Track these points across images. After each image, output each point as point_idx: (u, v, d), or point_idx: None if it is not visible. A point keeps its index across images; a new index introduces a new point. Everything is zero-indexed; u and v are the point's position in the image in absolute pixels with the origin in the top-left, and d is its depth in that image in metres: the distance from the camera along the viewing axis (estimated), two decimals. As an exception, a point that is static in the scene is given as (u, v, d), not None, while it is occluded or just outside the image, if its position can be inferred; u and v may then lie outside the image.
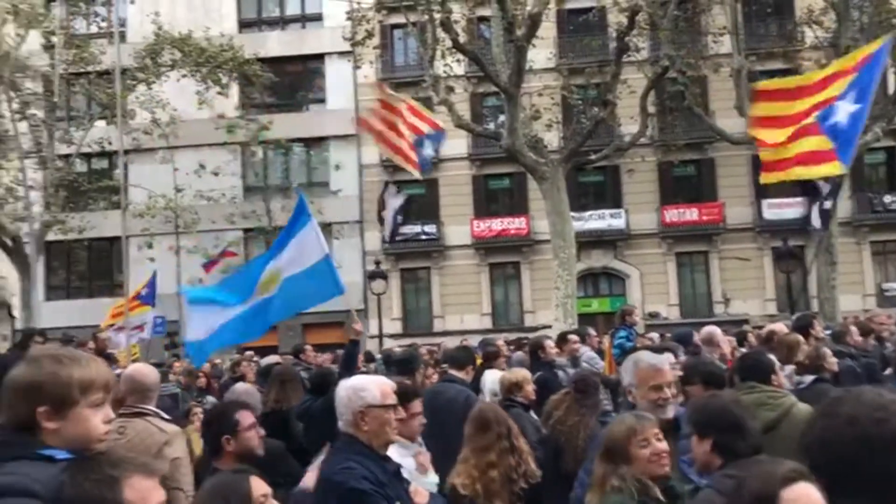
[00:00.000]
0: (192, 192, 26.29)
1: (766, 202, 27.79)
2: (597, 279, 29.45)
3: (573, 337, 8.78)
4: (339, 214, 28.28)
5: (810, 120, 6.83)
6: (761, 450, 2.95)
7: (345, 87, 29.94)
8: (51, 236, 23.89)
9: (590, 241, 27.35)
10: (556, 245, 17.18)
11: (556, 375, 7.30)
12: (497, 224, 29.37)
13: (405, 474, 3.37)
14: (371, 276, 24.15)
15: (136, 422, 3.90)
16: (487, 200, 30.01)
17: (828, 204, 19.13)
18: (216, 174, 26.91)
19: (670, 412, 3.54)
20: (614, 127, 23.94)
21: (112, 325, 16.51)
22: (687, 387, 4.34)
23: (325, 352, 11.90)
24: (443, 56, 18.62)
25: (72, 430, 1.92)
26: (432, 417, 4.49)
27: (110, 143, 23.18)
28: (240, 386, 5.67)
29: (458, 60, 20.24)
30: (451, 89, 19.23)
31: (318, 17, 30.88)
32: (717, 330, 7.08)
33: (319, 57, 30.54)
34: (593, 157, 19.84)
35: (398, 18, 24.38)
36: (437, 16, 17.08)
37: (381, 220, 23.23)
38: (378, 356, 11.89)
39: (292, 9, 31.77)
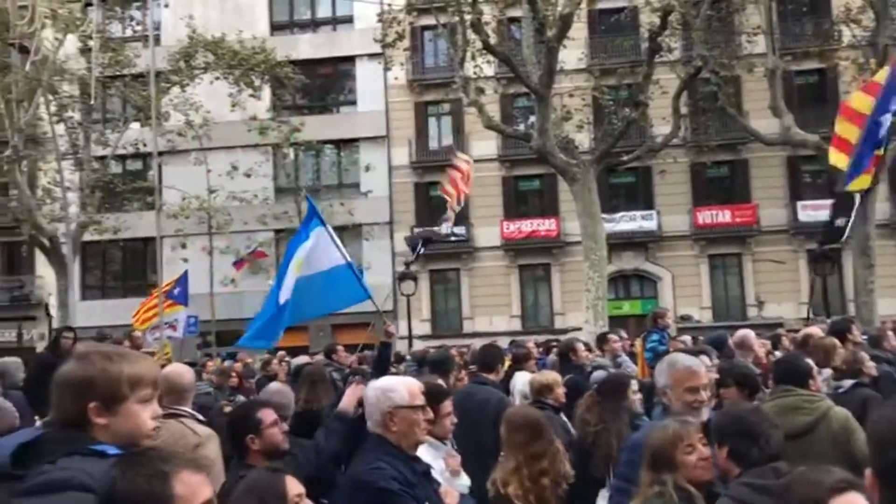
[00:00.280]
0: (225, 194, 26.57)
1: (800, 204, 27.37)
2: (628, 281, 29.23)
3: (613, 337, 8.70)
4: (368, 216, 28.41)
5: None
6: (778, 457, 2.93)
7: (375, 89, 30.08)
8: (87, 237, 24.32)
9: (621, 243, 27.16)
10: (586, 247, 17.09)
11: (588, 378, 7.25)
12: (527, 225, 29.28)
13: (435, 475, 3.37)
14: (400, 278, 24.20)
15: (170, 423, 3.93)
16: (517, 202, 29.93)
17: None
18: (248, 175, 27.17)
19: (705, 415, 3.51)
20: (646, 128, 23.75)
21: (148, 327, 16.73)
22: (721, 389, 4.31)
23: (354, 352, 11.95)
24: (473, 57, 18.61)
25: (121, 425, 1.93)
26: (464, 419, 4.48)
27: (145, 145, 23.54)
28: (273, 385, 5.70)
29: (488, 62, 20.20)
30: (481, 91, 19.23)
31: (348, 20, 31.06)
32: (750, 333, 6.99)
33: (350, 59, 30.71)
34: (625, 158, 19.70)
35: (429, 20, 24.42)
36: (468, 17, 17.08)
37: (412, 245, 23.11)
38: (407, 357, 11.92)
39: (323, 11, 31.99)
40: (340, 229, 25.47)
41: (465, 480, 3.94)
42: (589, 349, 9.03)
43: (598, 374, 6.41)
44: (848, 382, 5.09)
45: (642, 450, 3.17)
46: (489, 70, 22.57)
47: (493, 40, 17.97)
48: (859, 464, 3.68)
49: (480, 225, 29.39)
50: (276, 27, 31.44)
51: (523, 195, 30.18)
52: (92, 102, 21.91)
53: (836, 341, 5.92)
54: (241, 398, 8.51)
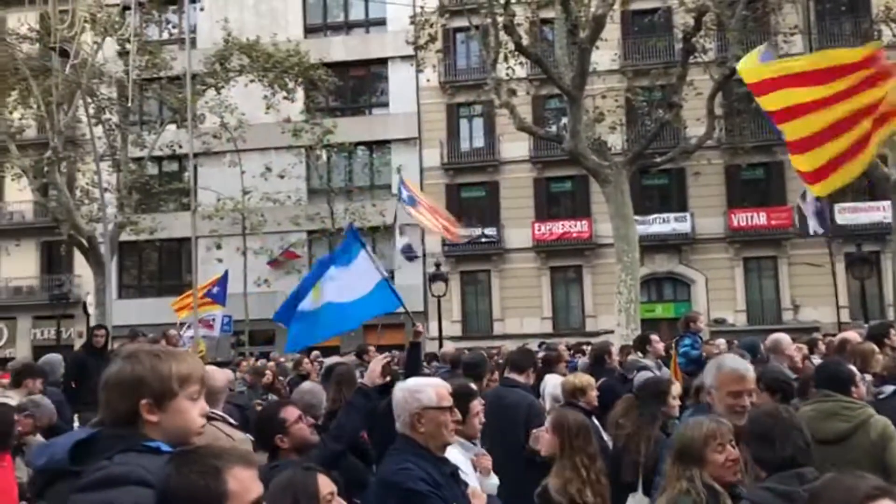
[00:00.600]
0: (259, 195, 26.83)
1: (838, 206, 26.90)
2: (661, 284, 28.97)
3: (655, 337, 8.60)
4: (401, 217, 28.47)
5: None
6: (796, 461, 2.89)
7: (407, 91, 30.19)
8: (124, 237, 24.73)
9: (654, 245, 26.95)
10: (619, 249, 16.95)
11: (623, 381, 7.20)
12: (558, 227, 29.17)
13: (463, 476, 3.38)
14: (431, 279, 24.25)
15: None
16: (549, 203, 29.82)
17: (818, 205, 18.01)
18: (282, 177, 27.40)
19: (745, 420, 3.48)
20: (680, 129, 23.50)
21: (183, 319, 16.97)
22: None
23: (383, 353, 11.99)
24: (505, 59, 18.57)
25: (172, 422, 1.97)
26: (493, 421, 4.48)
27: (181, 147, 23.88)
28: (305, 385, 5.75)
29: (520, 63, 20.15)
30: (513, 92, 19.16)
31: (381, 22, 31.20)
32: (784, 337, 6.85)
33: (383, 61, 30.87)
34: (658, 159, 19.50)
35: (461, 22, 24.44)
36: (500, 19, 17.05)
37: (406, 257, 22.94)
38: (437, 356, 11.94)
39: (356, 14, 32.19)
40: (372, 230, 25.74)
41: (493, 480, 3.95)
42: (627, 352, 8.96)
43: (644, 376, 6.32)
44: (889, 388, 4.99)
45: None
46: (521, 71, 22.51)
47: (525, 42, 17.90)
48: (893, 473, 3.62)
49: (511, 226, 29.33)
50: (309, 30, 31.70)
51: (555, 197, 30.06)
52: (129, 105, 22.26)
53: (874, 346, 5.81)
54: (273, 397, 8.60)
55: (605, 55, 23.77)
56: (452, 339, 25.27)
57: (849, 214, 26.70)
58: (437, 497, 3.02)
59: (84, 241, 22.21)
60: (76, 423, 7.01)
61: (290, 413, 3.74)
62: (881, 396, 4.88)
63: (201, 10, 28.15)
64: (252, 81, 24.63)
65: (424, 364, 9.88)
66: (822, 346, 8.32)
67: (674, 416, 5.13)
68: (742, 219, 28.09)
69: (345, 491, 3.85)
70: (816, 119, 6.09)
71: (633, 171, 18.60)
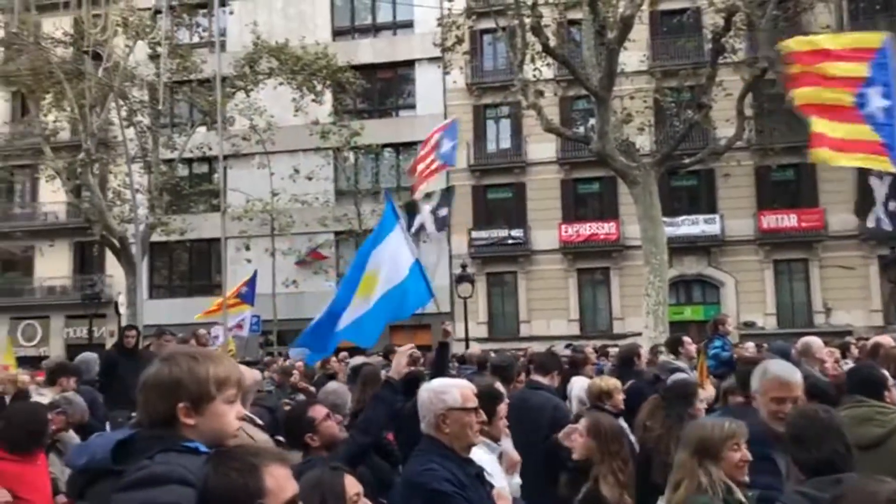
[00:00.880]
0: (287, 196, 27.03)
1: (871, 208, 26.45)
2: (689, 286, 28.71)
3: (688, 339, 8.52)
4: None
5: (848, 99, 6.21)
6: (834, 465, 2.85)
7: (434, 93, 30.25)
8: (154, 237, 25.05)
9: (682, 247, 26.71)
10: (647, 251, 16.83)
11: (657, 381, 7.12)
12: (586, 229, 29.03)
13: (488, 477, 3.39)
14: (457, 280, 24.25)
15: None
16: (576, 205, 29.70)
17: (892, 205, 17.80)
18: (310, 178, 27.59)
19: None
20: (709, 130, 23.30)
21: (211, 321, 17.15)
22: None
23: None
24: (532, 60, 18.54)
25: (208, 425, 1.98)
26: (518, 424, 4.48)
27: (210, 149, 24.15)
28: (330, 385, 5.80)
29: (547, 64, 20.10)
30: (540, 93, 19.12)
31: (409, 24, 31.30)
32: (815, 341, 6.75)
33: (410, 63, 30.96)
34: (687, 160, 19.34)
35: (488, 24, 24.44)
36: (527, 20, 17.02)
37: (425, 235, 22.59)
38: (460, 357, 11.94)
39: (384, 16, 32.32)
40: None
41: (516, 480, 3.96)
42: (658, 351, 8.88)
43: (679, 377, 6.25)
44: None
45: None
46: (548, 73, 22.44)
47: (552, 43, 17.86)
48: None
49: (538, 228, 29.25)
50: (337, 33, 31.88)
51: (582, 198, 29.92)
52: (160, 107, 22.60)
53: (908, 351, 5.71)
54: (301, 397, 8.65)
55: (633, 56, 23.61)
56: (478, 340, 25.26)
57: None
58: (461, 498, 3.03)
59: (116, 242, 22.54)
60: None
61: (318, 412, 3.81)
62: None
63: (231, 13, 28.44)
64: (281, 84, 24.85)
65: (454, 365, 9.91)
66: (854, 351, 8.19)
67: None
68: (772, 220, 27.75)
69: (375, 490, 3.89)
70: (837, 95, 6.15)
71: (662, 172, 18.47)
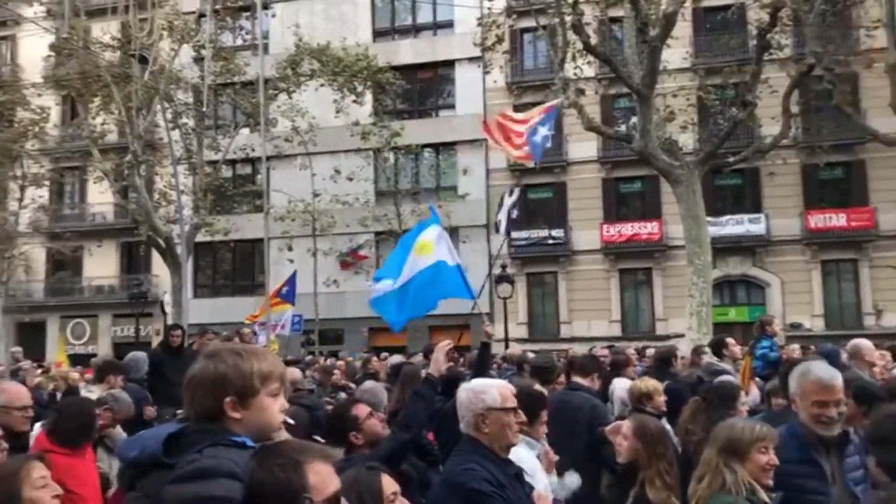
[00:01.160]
0: (328, 197, 27.26)
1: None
2: (734, 287, 28.24)
3: (731, 340, 8.39)
4: (466, 218, 28.54)
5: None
6: None
7: (474, 93, 30.23)
8: (199, 238, 25.46)
9: (727, 247, 26.29)
10: (690, 251, 16.59)
11: (701, 382, 7.02)
12: (628, 229, 28.74)
13: (528, 478, 3.37)
14: (497, 280, 24.20)
15: None
16: (618, 204, 29.41)
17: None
18: (350, 179, 27.78)
19: (834, 430, 3.37)
20: (754, 128, 22.89)
21: (256, 322, 17.42)
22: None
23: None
24: (573, 59, 18.41)
25: (254, 419, 2.02)
26: (558, 425, 4.45)
27: (253, 150, 24.48)
28: (366, 384, 5.84)
29: (588, 62, 19.95)
30: (581, 92, 18.98)
31: (449, 25, 31.32)
32: (865, 343, 6.58)
33: (450, 63, 30.98)
34: (731, 159, 19.01)
35: (528, 22, 24.32)
36: (568, 18, 16.91)
37: (496, 227, 22.94)
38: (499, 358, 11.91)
39: (424, 17, 32.39)
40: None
41: (555, 478, 3.96)
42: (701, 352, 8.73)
43: (722, 380, 6.16)
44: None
45: None
46: (590, 71, 22.28)
47: (593, 41, 17.71)
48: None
49: (579, 228, 29.05)
50: (378, 34, 32.06)
51: (624, 197, 29.63)
52: (204, 109, 22.96)
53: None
54: (342, 395, 8.72)
55: (675, 53, 23.30)
56: (518, 341, 25.19)
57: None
58: (500, 498, 3.03)
59: (161, 242, 22.94)
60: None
61: (362, 410, 3.86)
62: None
63: (273, 16, 28.76)
64: (322, 85, 25.06)
65: (500, 366, 9.90)
66: (906, 353, 7.96)
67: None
68: (820, 220, 27.15)
69: (417, 488, 3.91)
70: None
71: (706, 171, 18.20)
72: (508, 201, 13.01)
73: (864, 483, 3.32)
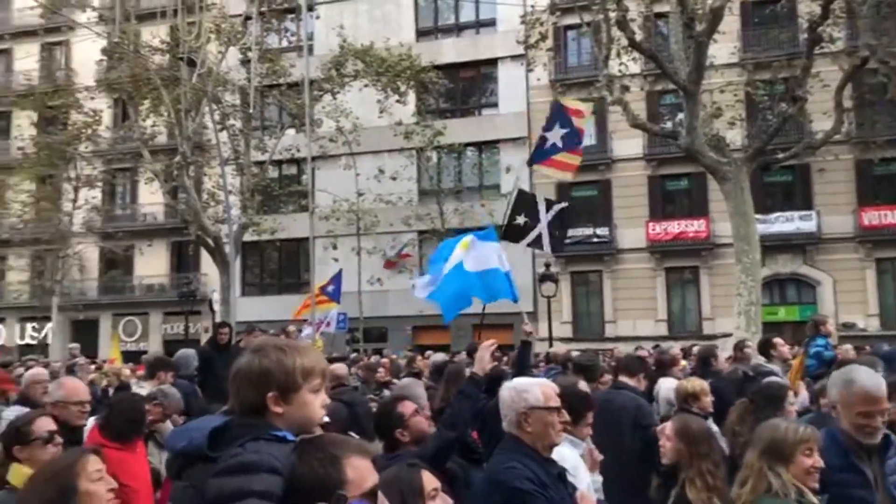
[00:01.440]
0: (372, 196, 27.44)
1: None
2: (784, 286, 27.66)
3: (779, 340, 8.23)
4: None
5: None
6: None
7: (517, 91, 30.13)
8: (246, 237, 25.86)
9: (776, 245, 25.76)
10: (738, 249, 16.30)
11: (749, 380, 6.90)
12: (674, 227, 28.35)
13: (570, 478, 3.36)
14: (541, 279, 24.09)
15: None
16: (664, 202, 29.04)
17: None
18: (394, 179, 27.92)
19: (877, 438, 3.29)
20: (804, 123, 22.39)
21: (301, 320, 17.63)
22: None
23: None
24: (618, 55, 18.22)
25: (296, 413, 2.07)
26: (603, 424, 4.43)
27: (299, 151, 24.74)
28: (404, 380, 5.89)
29: (633, 59, 19.71)
30: (626, 88, 18.75)
31: (491, 23, 31.27)
32: (923, 343, 6.40)
33: (493, 62, 30.92)
34: (781, 155, 18.61)
35: (572, 19, 24.16)
36: (613, 14, 16.75)
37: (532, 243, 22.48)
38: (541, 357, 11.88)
39: (467, 15, 32.38)
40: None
41: (598, 477, 3.94)
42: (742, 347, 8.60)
43: (770, 381, 6.05)
44: None
45: None
46: (635, 67, 22.00)
47: (638, 37, 17.50)
48: None
49: (624, 226, 28.75)
50: (421, 33, 32.15)
51: (670, 195, 29.24)
52: (251, 111, 23.26)
53: None
54: (386, 393, 8.78)
55: (723, 48, 22.89)
56: (562, 340, 25.04)
57: None
58: (542, 497, 3.02)
59: (210, 242, 23.34)
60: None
61: (407, 407, 3.88)
62: None
63: (318, 18, 29.05)
64: (366, 86, 25.22)
65: (544, 366, 9.87)
66: (964, 354, 7.72)
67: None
68: (874, 217, 26.44)
69: (462, 486, 3.92)
70: None
71: (754, 167, 17.85)
72: (546, 217, 11.28)
73: None
